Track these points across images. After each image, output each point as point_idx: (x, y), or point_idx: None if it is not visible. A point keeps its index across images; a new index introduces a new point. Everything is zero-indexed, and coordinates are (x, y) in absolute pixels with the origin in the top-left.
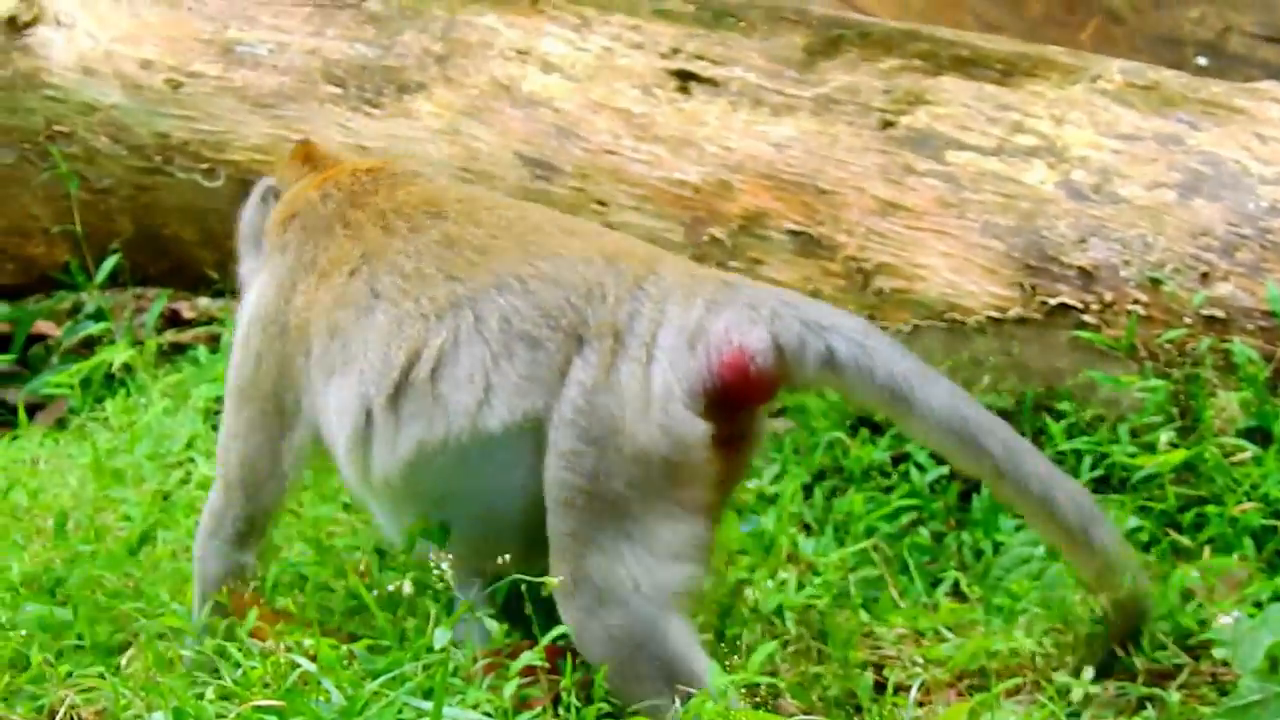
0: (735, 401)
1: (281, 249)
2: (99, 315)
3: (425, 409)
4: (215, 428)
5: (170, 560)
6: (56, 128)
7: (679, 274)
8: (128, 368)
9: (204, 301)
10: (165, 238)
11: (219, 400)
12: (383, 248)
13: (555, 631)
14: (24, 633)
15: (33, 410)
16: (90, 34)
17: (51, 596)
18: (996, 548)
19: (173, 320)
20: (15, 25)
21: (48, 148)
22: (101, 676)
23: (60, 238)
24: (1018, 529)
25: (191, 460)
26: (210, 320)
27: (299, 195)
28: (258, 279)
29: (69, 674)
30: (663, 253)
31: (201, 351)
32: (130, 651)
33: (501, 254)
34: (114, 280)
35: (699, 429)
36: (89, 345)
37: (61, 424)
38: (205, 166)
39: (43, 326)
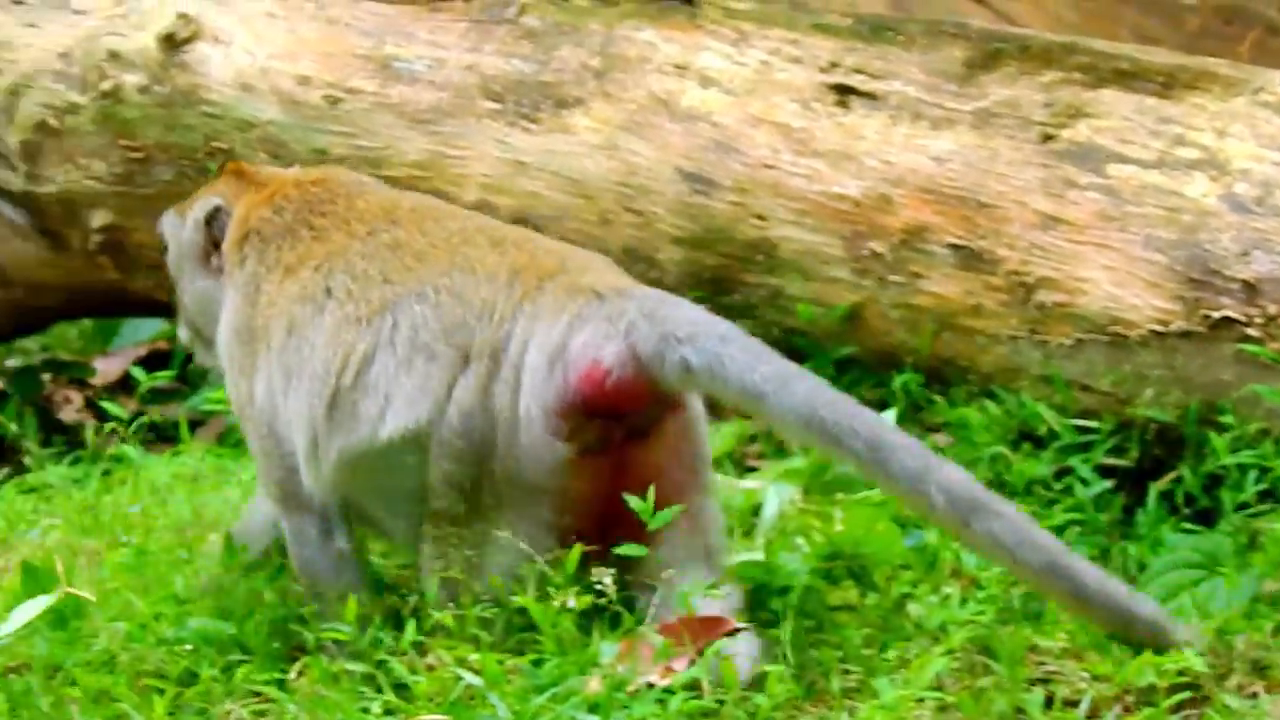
0: (602, 412)
1: (241, 264)
2: None
3: (346, 418)
4: None
5: None
6: (215, 144)
7: (561, 289)
8: None
9: None
10: None
11: None
12: (344, 248)
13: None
14: (190, 647)
15: (193, 426)
16: (248, 50)
17: (217, 611)
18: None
19: None
20: (173, 42)
21: (206, 164)
22: (268, 691)
23: None
24: (1182, 543)
25: None
26: None
27: (249, 213)
28: (226, 300)
29: (236, 688)
30: (570, 261)
31: None
32: (297, 665)
33: (433, 262)
34: None
35: (558, 453)
36: None
37: (221, 439)
38: None
39: None
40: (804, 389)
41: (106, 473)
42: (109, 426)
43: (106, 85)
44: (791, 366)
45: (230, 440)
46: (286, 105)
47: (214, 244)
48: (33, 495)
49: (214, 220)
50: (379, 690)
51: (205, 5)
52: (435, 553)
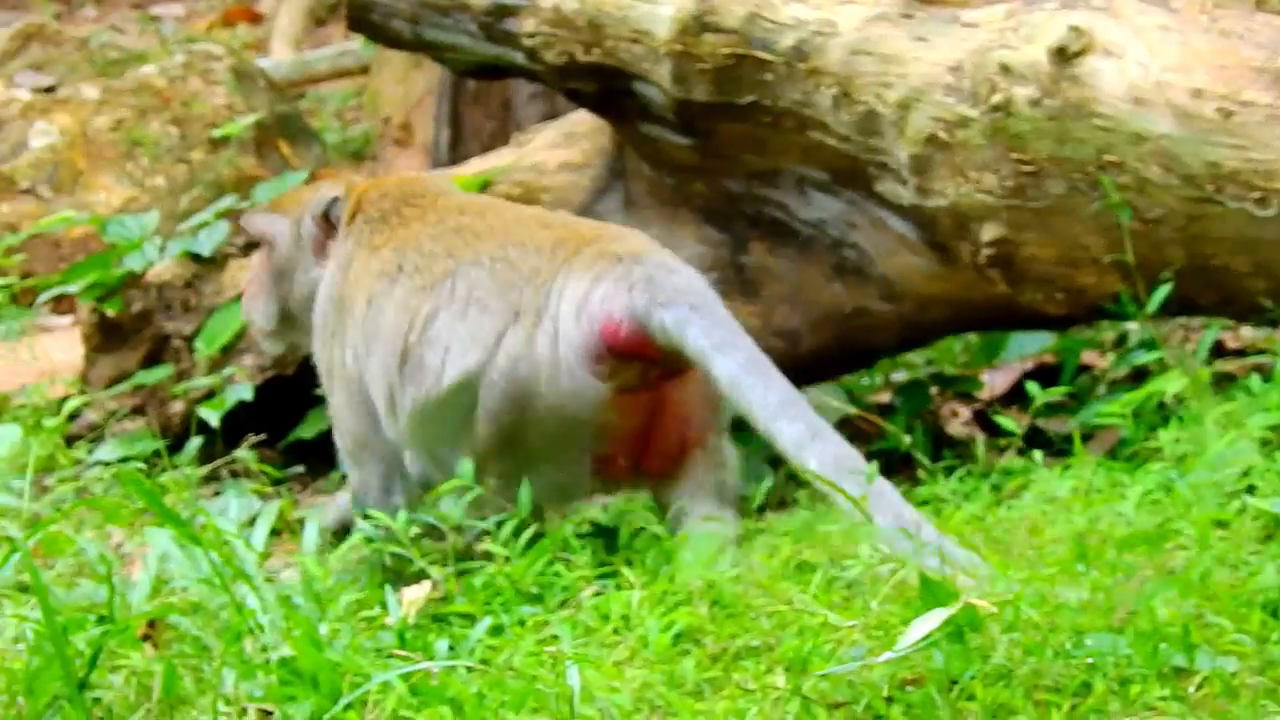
0: (624, 357)
1: (346, 237)
2: (1149, 345)
3: (414, 371)
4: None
5: (1231, 588)
6: (1106, 158)
7: (589, 256)
8: (1179, 398)
9: (1248, 331)
10: (1214, 268)
11: (1275, 430)
12: (417, 233)
13: None
14: (1090, 660)
15: (1084, 438)
16: (1140, 63)
17: (1110, 624)
18: None
19: (1218, 350)
20: (1065, 55)
21: (1098, 178)
22: (1164, 706)
23: (1110, 268)
24: None
25: (1250, 489)
26: (1260, 351)
27: (361, 197)
28: (326, 273)
29: (1132, 702)
30: (602, 234)
31: (1254, 381)
32: (1196, 679)
33: (489, 238)
34: (1161, 310)
35: (595, 387)
36: (1137, 376)
37: (1113, 453)
38: (1257, 196)
39: (1088, 357)
40: (739, 359)
41: (996, 487)
42: (999, 441)
43: (997, 98)
44: (741, 340)
45: (1123, 454)
46: (1180, 119)
47: (330, 233)
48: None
49: (331, 210)
50: None
51: (1096, 18)
52: (489, 479)
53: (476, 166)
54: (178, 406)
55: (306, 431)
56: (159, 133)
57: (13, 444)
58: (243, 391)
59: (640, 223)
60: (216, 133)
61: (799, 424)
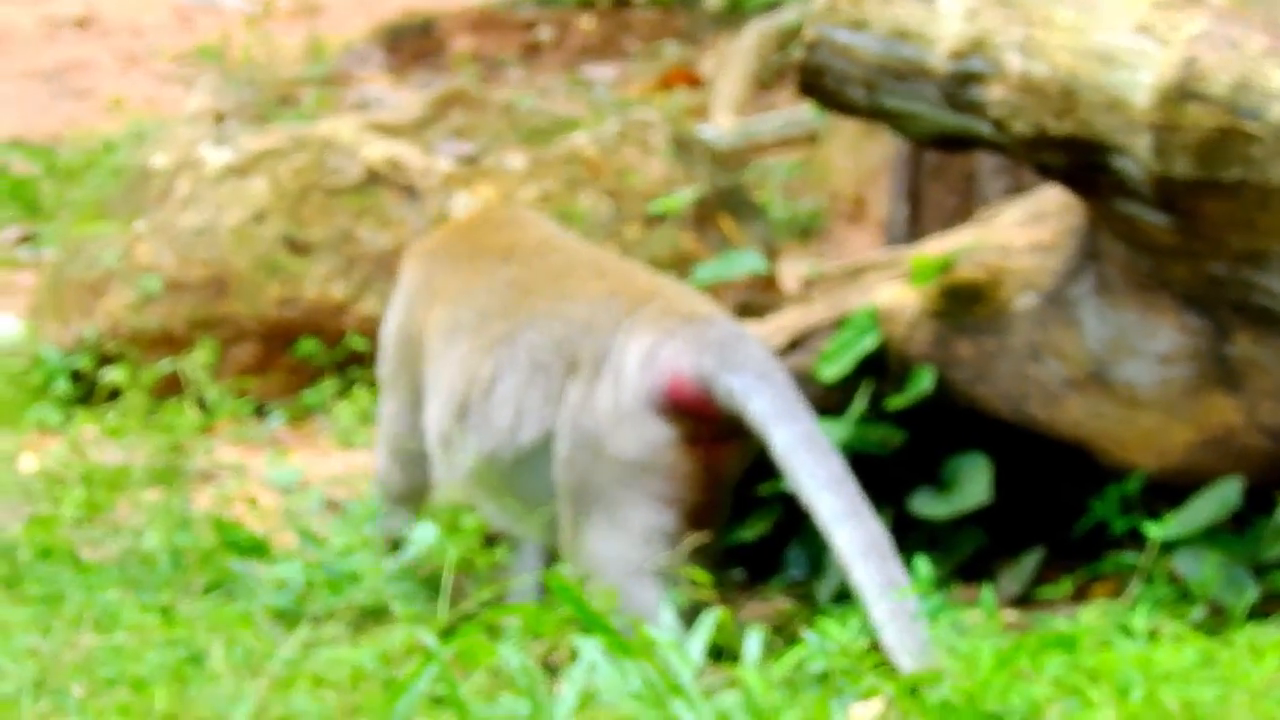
0: (685, 412)
1: (416, 270)
2: None
3: (479, 427)
4: None
5: None
6: None
7: (656, 311)
8: None
9: None
10: None
11: None
12: (472, 286)
13: None
14: None
15: None
16: None
17: None
18: None
19: None
20: None
21: None
22: None
23: None
24: None
25: None
26: None
27: (438, 233)
28: (396, 294)
29: None
30: (661, 289)
31: None
32: None
33: (540, 294)
34: None
35: (662, 432)
36: None
37: None
38: None
39: None
40: (798, 431)
41: None
42: None
43: None
44: (801, 414)
45: None
46: None
47: None
48: None
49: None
50: None
51: None
52: (571, 536)
53: (937, 245)
54: None
55: (748, 532)
56: (590, 207)
57: (428, 545)
58: None
59: (1114, 308)
60: (653, 207)
61: (842, 500)
